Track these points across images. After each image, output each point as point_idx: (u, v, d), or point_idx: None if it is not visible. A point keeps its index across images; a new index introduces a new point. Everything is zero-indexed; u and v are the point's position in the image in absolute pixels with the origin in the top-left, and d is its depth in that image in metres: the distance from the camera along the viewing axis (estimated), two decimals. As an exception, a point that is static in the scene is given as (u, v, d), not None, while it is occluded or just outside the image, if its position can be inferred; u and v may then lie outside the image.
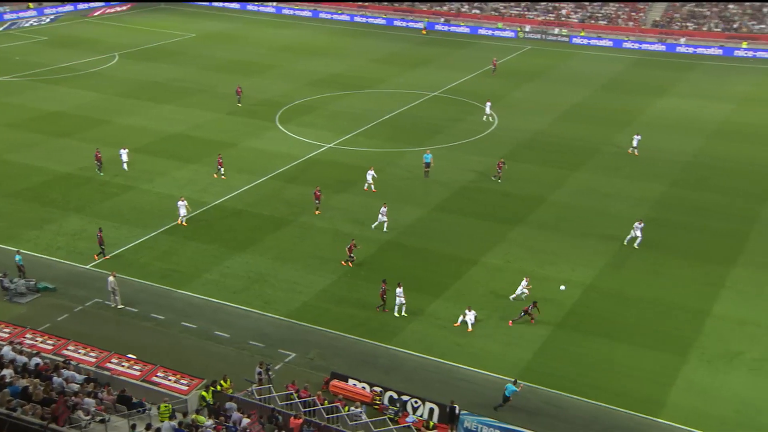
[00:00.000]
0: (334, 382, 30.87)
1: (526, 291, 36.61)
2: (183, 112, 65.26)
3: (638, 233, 41.86)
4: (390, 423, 28.11)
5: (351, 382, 30.68)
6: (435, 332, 34.99)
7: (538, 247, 42.55)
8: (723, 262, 40.60)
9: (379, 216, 43.87)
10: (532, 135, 60.69)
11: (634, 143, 55.72)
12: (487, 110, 63.74)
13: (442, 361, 32.96)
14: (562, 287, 36.71)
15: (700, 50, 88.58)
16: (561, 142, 59.19)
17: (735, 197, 48.57)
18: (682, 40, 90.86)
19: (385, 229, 43.65)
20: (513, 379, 30.05)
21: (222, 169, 51.12)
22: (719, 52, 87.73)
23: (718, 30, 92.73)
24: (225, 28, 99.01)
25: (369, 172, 49.58)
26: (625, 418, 29.28)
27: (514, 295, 36.85)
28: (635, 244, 41.79)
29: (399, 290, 35.86)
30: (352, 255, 40.31)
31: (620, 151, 57.09)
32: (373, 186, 49.16)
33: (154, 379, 28.35)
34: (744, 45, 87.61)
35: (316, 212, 46.20)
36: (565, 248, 42.35)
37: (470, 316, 34.98)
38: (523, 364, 32.60)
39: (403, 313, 35.86)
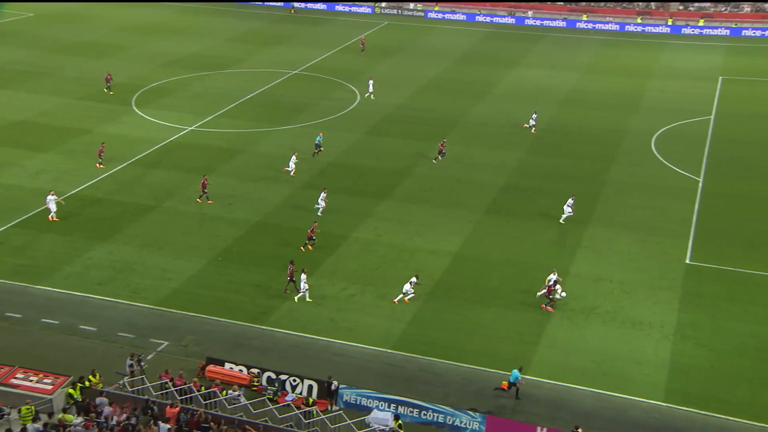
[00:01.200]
0: (210, 367, 30.19)
1: (558, 290, 34.98)
2: (26, 98, 60.68)
3: (569, 209, 42.53)
4: (269, 403, 27.89)
5: (227, 365, 30.14)
6: (310, 310, 34.81)
7: (406, 219, 43.17)
8: (578, 223, 42.81)
9: (320, 200, 42.91)
10: (394, 109, 61.31)
11: (532, 121, 56.57)
12: (370, 87, 63.81)
13: (317, 338, 32.88)
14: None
15: (546, 23, 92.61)
16: (422, 116, 60.16)
17: (585, 161, 51.38)
18: (530, 13, 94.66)
19: (319, 213, 42.64)
20: (519, 367, 29.97)
21: (101, 159, 48.05)
22: (563, 24, 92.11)
23: (562, 3, 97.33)
24: (66, 7, 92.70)
25: (293, 157, 48.24)
26: (497, 378, 30.45)
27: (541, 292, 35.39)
28: (561, 220, 42.71)
29: (303, 276, 35.31)
30: (313, 238, 39.38)
31: (479, 122, 58.89)
32: (292, 172, 47.70)
33: (13, 381, 26.50)
34: (584, 17, 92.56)
35: (198, 200, 44.37)
36: (433, 219, 43.21)
37: (408, 287, 35.04)
38: (397, 334, 33.11)
39: (308, 299, 35.32)
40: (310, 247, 39.65)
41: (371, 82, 64.31)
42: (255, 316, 34.25)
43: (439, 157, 51.01)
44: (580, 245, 40.55)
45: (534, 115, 56.75)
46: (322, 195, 43.20)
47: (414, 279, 35.41)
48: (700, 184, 47.34)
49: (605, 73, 71.46)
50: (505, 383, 29.26)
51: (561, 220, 42.56)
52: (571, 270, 38.05)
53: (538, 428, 26.99)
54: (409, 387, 29.82)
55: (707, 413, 28.36)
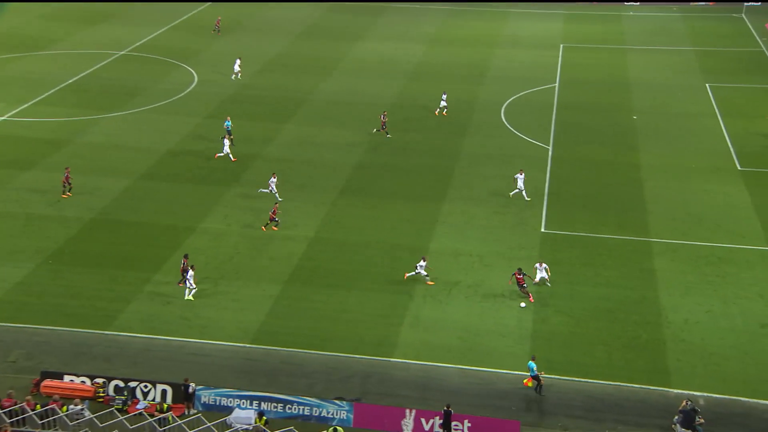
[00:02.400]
0: (46, 382, 28.53)
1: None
2: None
3: (520, 184, 43.06)
4: (119, 414, 26.72)
5: (67, 378, 28.62)
6: (158, 309, 33.56)
7: (258, 206, 42.55)
8: (435, 199, 44.01)
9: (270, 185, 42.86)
10: (236, 89, 60.07)
11: (443, 102, 55.61)
12: (236, 67, 62.11)
13: (170, 338, 31.82)
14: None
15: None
16: (267, 95, 59.38)
17: (437, 135, 52.81)
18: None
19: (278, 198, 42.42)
20: (532, 356, 29.84)
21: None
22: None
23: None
24: None
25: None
26: (363, 363, 30.83)
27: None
28: (525, 196, 43.22)
29: (190, 273, 34.07)
30: (276, 219, 39.63)
31: (327, 100, 58.95)
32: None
33: None
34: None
35: (64, 195, 41.72)
36: (286, 203, 42.85)
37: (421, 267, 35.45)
38: (256, 327, 32.70)
39: (190, 297, 34.21)
40: (273, 227, 39.75)
41: (238, 61, 62.63)
42: (96, 321, 32.59)
43: (382, 130, 51.55)
44: (438, 221, 41.71)
45: (444, 96, 55.92)
46: (272, 180, 42.83)
47: (423, 263, 35.60)
48: (550, 152, 50.09)
49: (451, 44, 73.66)
50: (527, 380, 29.26)
51: (527, 198, 43.12)
52: (431, 247, 39.09)
53: (407, 411, 27.63)
54: (272, 381, 29.58)
55: (568, 378, 30.20)
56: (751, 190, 44.42)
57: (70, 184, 42.28)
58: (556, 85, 62.69)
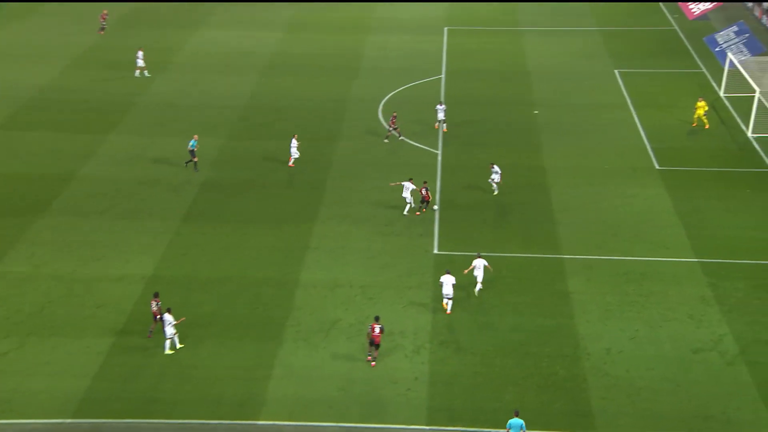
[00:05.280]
0: None
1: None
2: None
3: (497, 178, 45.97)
4: None
5: None
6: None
7: (74, 239, 41.40)
8: (304, 220, 43.95)
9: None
10: (38, 92, 58.59)
11: (440, 115, 54.02)
12: (140, 62, 61.10)
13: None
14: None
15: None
16: (79, 99, 58.13)
17: (303, 141, 52.66)
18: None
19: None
20: (515, 411, 29.64)
21: None
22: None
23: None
24: None
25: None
26: (222, 430, 30.16)
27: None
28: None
29: (168, 317, 33.38)
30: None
31: (162, 102, 57.87)
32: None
33: None
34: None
35: None
36: (113, 235, 42.02)
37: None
38: (78, 395, 31.58)
39: (177, 346, 34.08)
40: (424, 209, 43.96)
41: (141, 54, 61.28)
42: None
43: (395, 133, 52.66)
44: (309, 247, 41.63)
45: (441, 107, 54.21)
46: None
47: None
48: (439, 158, 51.12)
49: (314, 31, 74.12)
50: None
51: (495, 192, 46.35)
52: (301, 278, 38.93)
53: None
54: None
55: (474, 429, 30.63)
56: (672, 192, 46.95)
57: None
58: (442, 76, 64.21)
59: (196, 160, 48.53)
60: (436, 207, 44.10)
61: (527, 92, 61.25)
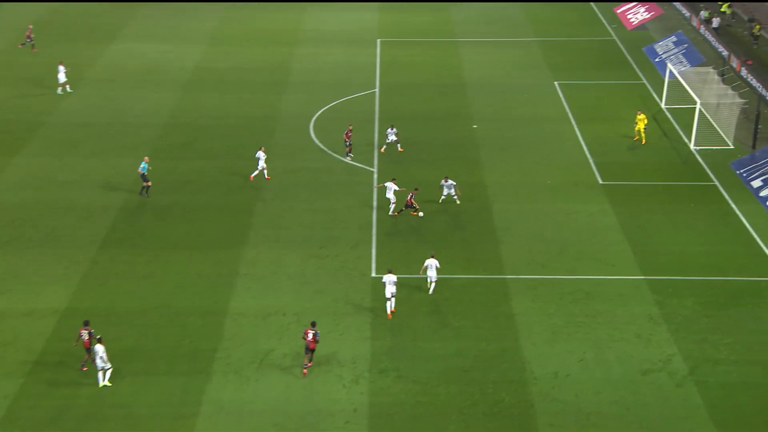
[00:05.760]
0: None
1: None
2: None
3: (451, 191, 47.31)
4: None
5: None
6: None
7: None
8: (232, 245, 43.70)
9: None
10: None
11: (391, 137, 53.90)
12: (61, 77, 60.31)
13: None
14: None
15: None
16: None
17: (228, 161, 52.47)
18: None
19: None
20: None
21: None
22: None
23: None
24: None
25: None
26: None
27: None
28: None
29: (99, 348, 32.73)
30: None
31: (75, 122, 57.11)
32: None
33: None
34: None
35: None
36: (21, 266, 41.39)
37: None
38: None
39: (106, 382, 33.41)
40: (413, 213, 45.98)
41: (63, 68, 60.34)
42: None
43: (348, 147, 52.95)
44: (239, 273, 41.36)
45: (392, 130, 53.96)
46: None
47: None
48: (375, 175, 51.28)
49: (238, 43, 73.93)
50: None
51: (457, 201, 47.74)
52: (230, 308, 38.60)
53: None
54: None
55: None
56: (617, 207, 47.81)
57: None
58: (376, 90, 64.55)
59: (149, 184, 47.79)
60: (421, 214, 46.25)
61: (465, 106, 61.90)
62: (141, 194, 47.88)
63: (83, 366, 34.30)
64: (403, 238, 44.70)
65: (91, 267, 41.48)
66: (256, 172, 49.95)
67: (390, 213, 46.25)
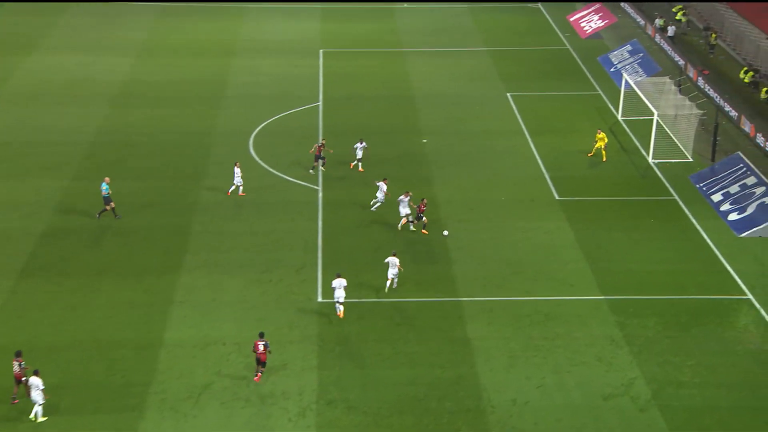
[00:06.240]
0: None
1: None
2: None
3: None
4: None
5: None
6: None
7: None
8: (167, 270, 43.24)
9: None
10: None
11: (359, 153, 53.83)
12: None
13: None
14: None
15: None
16: None
17: (162, 182, 52.00)
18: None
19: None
20: None
21: None
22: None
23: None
24: None
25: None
26: None
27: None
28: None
29: (35, 381, 32.60)
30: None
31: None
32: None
33: None
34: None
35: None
36: None
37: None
38: None
39: (40, 418, 32.81)
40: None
41: None
42: None
43: (316, 164, 53.50)
44: (174, 301, 40.93)
45: (360, 144, 54.01)
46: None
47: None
48: (320, 195, 51.19)
49: (171, 54, 73.61)
50: None
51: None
52: (165, 338, 38.12)
53: None
54: None
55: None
56: (574, 224, 48.26)
57: None
58: (320, 104, 64.58)
59: (113, 205, 47.25)
60: (446, 232, 47.16)
61: (414, 119, 62.18)
62: (116, 217, 47.56)
63: (13, 400, 33.68)
64: (351, 259, 44.58)
65: (9, 298, 40.78)
66: (233, 188, 50.18)
67: (372, 209, 48.29)
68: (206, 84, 67.39)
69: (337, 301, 39.31)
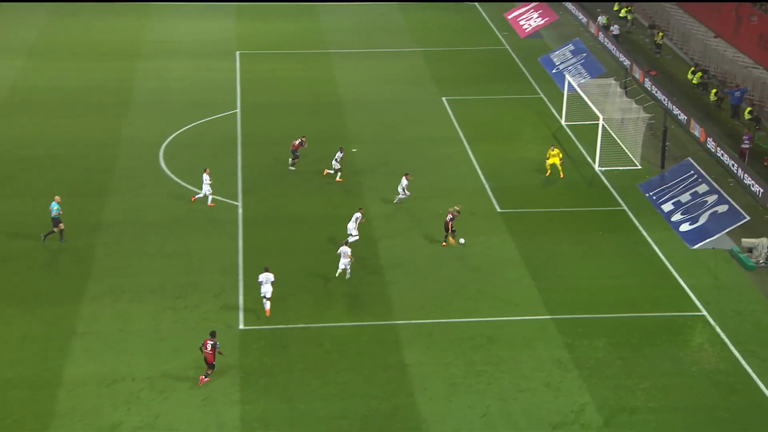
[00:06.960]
0: None
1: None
2: None
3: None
4: None
5: None
6: None
7: None
8: (67, 299, 42.51)
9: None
10: None
11: (336, 164, 54.06)
12: None
13: None
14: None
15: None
16: None
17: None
18: None
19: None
20: None
21: None
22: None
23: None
24: None
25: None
26: None
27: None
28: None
29: None
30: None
31: None
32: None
33: None
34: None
35: None
36: None
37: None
38: None
39: None
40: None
41: None
42: None
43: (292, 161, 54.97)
44: (76, 332, 40.26)
45: (339, 155, 54.20)
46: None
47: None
48: (240, 211, 50.84)
49: (68, 57, 73.07)
50: None
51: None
52: (65, 375, 37.33)
53: None
54: None
55: None
56: (518, 239, 48.60)
57: None
58: (238, 111, 64.33)
59: (62, 227, 46.62)
60: (462, 240, 47.70)
61: (341, 127, 62.24)
62: (61, 240, 46.96)
63: None
64: (276, 282, 44.17)
65: None
66: (200, 195, 50.30)
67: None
68: (109, 90, 66.67)
69: (264, 297, 40.03)
